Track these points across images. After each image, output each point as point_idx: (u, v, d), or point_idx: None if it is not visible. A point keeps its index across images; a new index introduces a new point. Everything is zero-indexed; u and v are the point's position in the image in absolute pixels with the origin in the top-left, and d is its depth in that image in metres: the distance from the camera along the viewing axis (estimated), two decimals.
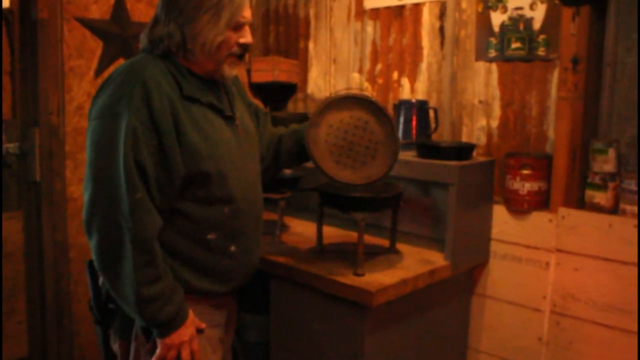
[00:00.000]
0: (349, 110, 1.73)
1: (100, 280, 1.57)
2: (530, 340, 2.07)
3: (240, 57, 1.55)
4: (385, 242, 2.11)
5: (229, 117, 1.58)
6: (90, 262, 1.57)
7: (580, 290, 1.95)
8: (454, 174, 1.90)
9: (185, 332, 1.47)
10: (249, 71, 2.67)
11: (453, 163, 1.92)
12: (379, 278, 1.77)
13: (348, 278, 1.77)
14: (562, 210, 1.96)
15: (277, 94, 2.77)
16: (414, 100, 2.21)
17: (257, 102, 2.59)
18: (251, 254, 1.64)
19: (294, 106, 2.85)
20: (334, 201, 1.85)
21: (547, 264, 2.02)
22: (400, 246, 2.10)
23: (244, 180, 1.59)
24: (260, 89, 2.66)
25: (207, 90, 1.54)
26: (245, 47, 1.53)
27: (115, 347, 1.61)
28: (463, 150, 2.01)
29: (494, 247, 2.14)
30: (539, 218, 2.02)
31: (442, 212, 2.20)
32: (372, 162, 1.74)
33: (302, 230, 2.30)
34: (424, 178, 1.99)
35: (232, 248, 1.56)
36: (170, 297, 1.43)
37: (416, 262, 1.95)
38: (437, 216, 2.23)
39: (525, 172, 2.00)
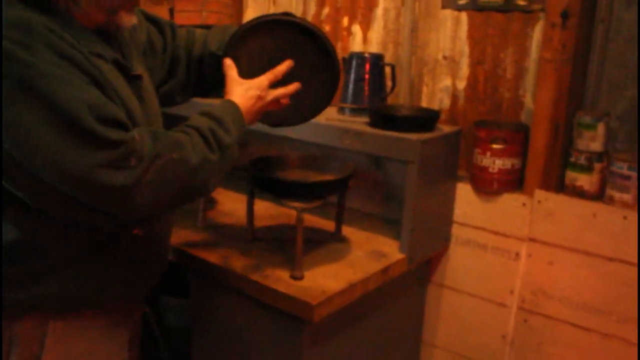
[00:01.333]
0: (270, 33, 1.34)
1: None
2: (492, 337, 1.81)
3: None
4: (328, 224, 1.78)
5: (134, 77, 1.18)
6: None
7: (553, 286, 1.68)
8: (414, 150, 1.56)
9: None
10: (171, 11, 2.22)
11: (414, 137, 1.57)
12: (322, 281, 1.44)
13: (283, 283, 1.43)
14: (538, 194, 1.66)
15: None
16: (367, 54, 1.83)
17: None
18: (162, 241, 1.28)
19: None
20: (266, 185, 1.49)
21: (517, 254, 1.73)
22: (346, 229, 1.77)
23: None
24: None
25: (103, 44, 1.13)
26: None
27: None
28: (425, 121, 1.66)
29: (456, 231, 1.84)
30: (510, 201, 1.72)
31: (395, 187, 1.88)
32: (309, 92, 1.37)
33: (232, 207, 1.94)
34: (378, 153, 1.64)
35: (138, 232, 1.20)
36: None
37: (366, 254, 1.63)
38: (390, 192, 1.91)
39: (496, 146, 1.68)
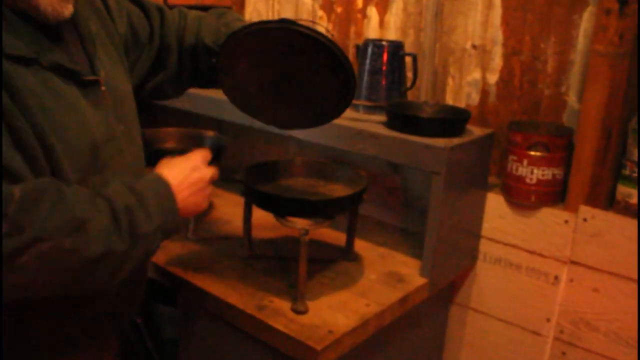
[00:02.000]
0: (272, 36, 1.09)
1: None
2: None
3: None
4: (338, 236, 1.54)
5: (88, 83, 0.94)
6: None
7: (598, 317, 1.44)
8: (440, 159, 1.32)
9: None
10: None
11: (440, 143, 1.33)
12: (329, 316, 1.22)
13: (284, 318, 1.20)
14: (584, 210, 1.42)
15: None
16: (384, 42, 1.57)
17: None
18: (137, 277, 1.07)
19: None
20: (265, 201, 1.25)
21: (557, 278, 1.50)
22: (359, 243, 1.54)
23: (117, 172, 0.98)
24: None
25: (47, 41, 0.89)
26: None
27: None
28: (454, 124, 1.41)
29: (484, 247, 1.60)
30: (550, 217, 1.48)
31: (415, 194, 1.64)
32: (321, 97, 1.14)
33: (231, 213, 1.70)
34: (397, 160, 1.40)
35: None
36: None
37: (381, 278, 1.40)
38: (409, 199, 1.67)
39: (535, 153, 1.44)
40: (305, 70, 1.09)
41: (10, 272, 0.76)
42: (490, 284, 1.61)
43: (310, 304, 1.25)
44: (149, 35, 1.18)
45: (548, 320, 1.52)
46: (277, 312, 1.23)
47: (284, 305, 1.25)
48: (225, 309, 1.26)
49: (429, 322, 1.60)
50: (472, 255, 1.59)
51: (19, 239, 0.75)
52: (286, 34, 1.04)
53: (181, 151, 1.62)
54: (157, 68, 1.20)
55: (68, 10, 0.90)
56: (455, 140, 1.36)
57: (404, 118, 1.39)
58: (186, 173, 1.01)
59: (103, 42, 1.05)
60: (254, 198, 1.27)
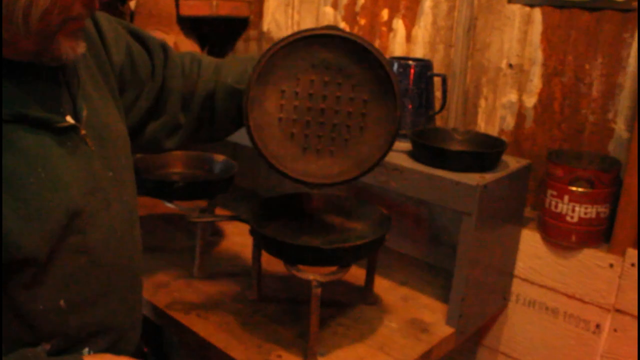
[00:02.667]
0: (310, 57, 0.97)
1: None
2: None
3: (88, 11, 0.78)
4: (356, 272, 1.41)
5: (66, 129, 0.82)
6: None
7: None
8: (472, 198, 1.18)
9: None
10: None
11: (472, 180, 1.18)
12: None
13: None
14: (632, 254, 1.27)
15: (220, 32, 1.99)
16: (411, 62, 1.43)
17: (192, 45, 1.80)
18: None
19: (245, 47, 2.05)
20: (271, 247, 1.13)
21: (598, 326, 1.35)
22: (379, 281, 1.41)
23: (104, 228, 0.86)
24: (195, 25, 1.86)
25: (11, 86, 0.76)
26: None
27: None
28: (487, 158, 1.27)
29: (518, 287, 1.45)
30: (592, 259, 1.33)
31: (442, 227, 1.51)
32: (361, 138, 1.03)
33: (241, 243, 1.59)
34: (423, 197, 1.26)
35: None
36: None
37: (403, 327, 1.26)
38: (436, 233, 1.53)
39: (578, 189, 1.28)
40: (344, 107, 0.96)
41: None
42: (522, 328, 1.46)
43: None
44: (150, 73, 1.05)
45: None
46: None
47: (294, 356, 1.12)
48: None
49: None
50: (504, 297, 1.45)
51: None
52: (329, 47, 0.92)
53: (189, 175, 1.53)
54: (156, 113, 1.08)
55: (82, 48, 0.78)
56: (488, 176, 1.22)
57: (431, 150, 1.25)
58: None
59: (92, 75, 0.92)
60: (260, 241, 1.14)
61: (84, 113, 0.85)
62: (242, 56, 1.15)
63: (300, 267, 1.10)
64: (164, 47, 1.07)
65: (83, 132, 0.83)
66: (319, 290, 1.06)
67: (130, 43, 1.01)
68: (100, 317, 0.87)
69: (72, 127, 0.81)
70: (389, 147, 1.01)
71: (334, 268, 1.13)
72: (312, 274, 1.07)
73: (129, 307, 0.93)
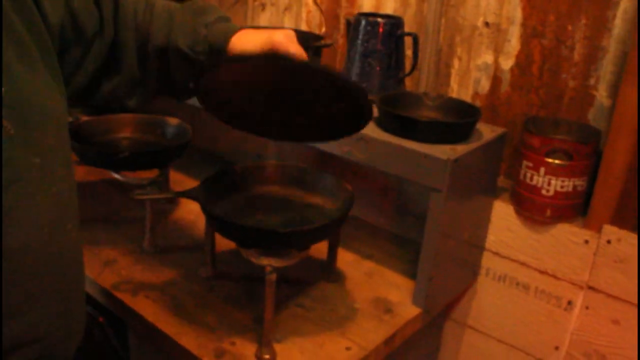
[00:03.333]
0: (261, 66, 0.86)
1: None
2: None
3: None
4: (320, 246, 1.32)
5: None
6: None
7: (616, 350, 1.25)
8: (442, 173, 1.09)
9: None
10: None
11: (442, 153, 1.09)
12: None
13: None
14: (609, 230, 1.20)
15: None
16: (380, 19, 1.31)
17: None
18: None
19: None
20: (221, 228, 1.03)
21: (570, 303, 1.29)
22: (343, 253, 1.33)
23: (25, 227, 0.74)
24: None
25: None
26: None
27: None
28: (460, 128, 1.17)
29: (488, 261, 1.39)
30: (567, 234, 1.26)
31: (410, 197, 1.43)
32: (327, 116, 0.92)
33: (197, 212, 1.48)
34: (390, 170, 1.16)
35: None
36: None
37: (367, 308, 1.19)
38: (404, 202, 1.45)
39: (555, 161, 1.20)
40: (304, 94, 0.85)
41: None
42: (491, 303, 1.41)
43: (279, 348, 1.04)
44: (97, 28, 0.90)
45: (557, 348, 1.33)
46: (239, 357, 1.02)
47: (248, 349, 1.04)
48: (179, 353, 1.05)
49: (420, 342, 1.40)
50: (474, 271, 1.38)
51: None
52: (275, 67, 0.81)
53: (139, 141, 1.40)
54: (111, 70, 0.93)
55: None
56: (460, 148, 1.12)
57: (399, 119, 1.15)
58: None
59: (17, 39, 0.77)
60: (217, 226, 1.04)
61: (2, 89, 0.71)
62: (197, 4, 0.99)
63: (253, 251, 1.01)
64: None
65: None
66: (273, 277, 0.97)
67: None
68: (24, 328, 0.76)
69: None
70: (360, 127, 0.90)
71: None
72: (267, 259, 0.98)
73: (62, 314, 0.82)
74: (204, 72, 0.85)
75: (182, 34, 0.93)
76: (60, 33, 0.83)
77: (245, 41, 0.91)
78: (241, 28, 0.95)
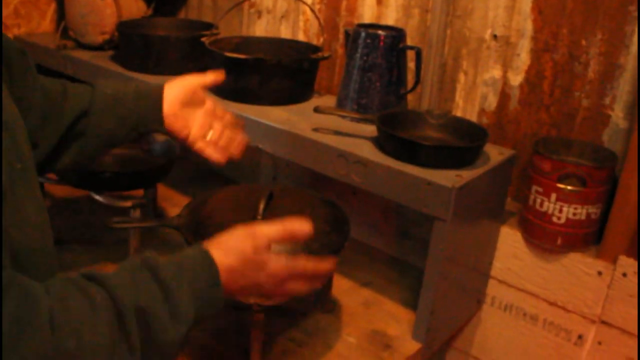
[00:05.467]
0: None
1: None
2: None
3: None
4: None
5: None
6: None
7: None
8: (446, 201, 1.00)
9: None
10: None
11: (446, 178, 1.01)
12: None
13: None
14: (625, 262, 1.12)
15: None
16: (380, 32, 1.23)
17: (136, 1, 1.57)
18: None
19: (199, 4, 1.81)
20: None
21: (581, 337, 1.21)
22: (339, 280, 1.25)
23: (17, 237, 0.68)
24: None
25: None
26: None
27: None
28: (466, 153, 1.09)
29: (493, 289, 1.30)
30: (579, 264, 1.18)
31: (412, 220, 1.35)
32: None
33: None
34: (390, 196, 1.08)
35: None
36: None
37: (363, 343, 1.11)
38: (405, 225, 1.37)
39: (567, 187, 1.12)
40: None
41: None
42: (497, 333, 1.32)
43: None
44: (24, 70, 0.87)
45: None
46: None
47: None
48: None
49: None
50: (478, 299, 1.30)
51: None
52: None
53: (123, 158, 1.32)
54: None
55: None
56: (466, 174, 1.04)
57: (400, 142, 1.07)
58: (244, 267, 0.72)
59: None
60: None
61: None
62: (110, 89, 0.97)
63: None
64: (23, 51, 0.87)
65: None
66: (261, 316, 0.89)
67: None
68: None
69: None
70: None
71: None
72: (253, 296, 0.90)
73: None
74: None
75: (109, 87, 0.94)
76: None
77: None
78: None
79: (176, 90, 0.94)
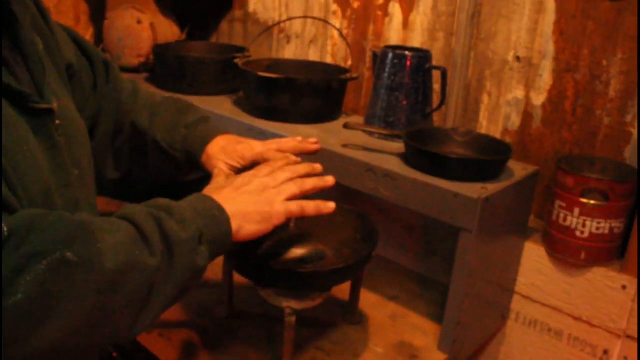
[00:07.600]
0: None
1: None
2: None
3: None
4: (342, 286, 1.27)
5: (40, 112, 0.70)
6: None
7: None
8: (472, 213, 1.03)
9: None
10: None
11: (472, 190, 1.04)
12: None
13: None
14: None
15: (202, 12, 1.83)
16: (407, 53, 1.28)
17: (170, 26, 1.64)
18: None
19: (230, 29, 1.89)
20: (239, 266, 0.98)
21: (607, 352, 1.22)
22: (365, 295, 1.28)
23: None
24: (174, 4, 1.70)
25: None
26: None
27: None
28: (491, 166, 1.12)
29: (518, 305, 1.32)
30: (603, 279, 1.19)
31: (437, 236, 1.37)
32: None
33: None
34: (416, 209, 1.11)
35: None
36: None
37: (390, 354, 1.13)
38: (430, 242, 1.39)
39: (590, 201, 1.14)
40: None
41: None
42: (521, 349, 1.34)
43: None
44: (92, 85, 0.97)
45: None
46: None
47: None
48: None
49: None
50: (503, 315, 1.32)
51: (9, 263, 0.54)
52: None
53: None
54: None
55: None
56: (491, 187, 1.07)
57: (426, 156, 1.11)
58: (240, 187, 0.80)
59: (50, 67, 0.80)
60: (236, 264, 1.00)
61: (55, 105, 0.73)
62: (180, 103, 1.05)
63: (271, 291, 0.96)
64: (106, 63, 0.98)
65: (58, 121, 0.73)
66: (292, 319, 0.93)
67: (75, 48, 0.91)
68: None
69: (47, 112, 0.70)
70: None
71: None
72: (286, 300, 0.93)
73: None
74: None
75: (162, 129, 0.98)
76: (70, 72, 0.90)
77: (228, 158, 0.96)
78: (219, 133, 0.99)
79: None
